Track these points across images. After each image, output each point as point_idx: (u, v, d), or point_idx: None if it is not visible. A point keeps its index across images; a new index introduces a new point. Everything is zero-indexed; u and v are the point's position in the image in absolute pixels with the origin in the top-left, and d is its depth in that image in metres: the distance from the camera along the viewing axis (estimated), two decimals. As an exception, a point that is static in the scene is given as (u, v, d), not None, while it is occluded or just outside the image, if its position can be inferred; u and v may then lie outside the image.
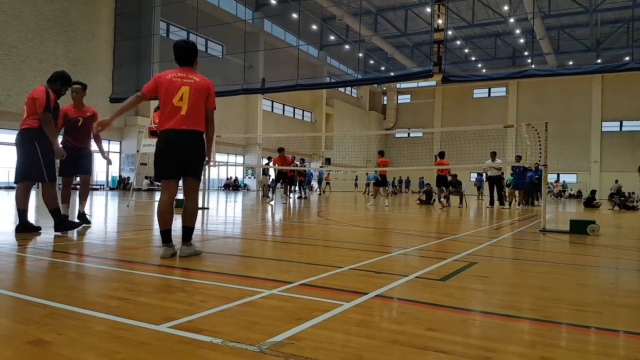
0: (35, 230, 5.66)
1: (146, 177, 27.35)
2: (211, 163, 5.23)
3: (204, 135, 4.34)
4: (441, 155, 15.34)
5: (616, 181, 28.88)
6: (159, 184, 4.43)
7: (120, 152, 29.02)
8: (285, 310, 2.55)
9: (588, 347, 2.14)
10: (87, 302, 2.65)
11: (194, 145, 4.22)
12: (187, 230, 4.32)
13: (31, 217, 6.45)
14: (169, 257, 4.14)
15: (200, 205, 11.23)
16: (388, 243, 6.12)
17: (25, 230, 5.56)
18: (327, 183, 38.27)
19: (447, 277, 3.54)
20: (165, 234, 4.23)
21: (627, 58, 23.77)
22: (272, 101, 40.39)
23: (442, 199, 15.38)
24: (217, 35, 32.21)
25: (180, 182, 4.39)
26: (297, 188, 20.83)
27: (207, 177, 11.49)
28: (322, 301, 2.73)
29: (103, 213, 10.34)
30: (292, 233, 6.79)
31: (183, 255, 4.22)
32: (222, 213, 10.58)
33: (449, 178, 17.04)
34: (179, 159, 4.20)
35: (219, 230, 6.87)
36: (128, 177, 27.84)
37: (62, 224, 5.73)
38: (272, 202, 15.27)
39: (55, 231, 5.65)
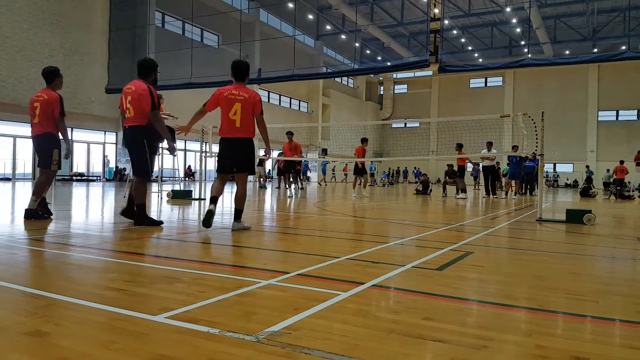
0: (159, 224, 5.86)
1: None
2: (267, 155, 5.95)
3: (253, 138, 5.54)
4: (460, 146, 15.56)
5: (607, 170, 29.06)
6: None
7: (116, 143, 28.91)
8: (282, 300, 2.55)
9: (584, 336, 2.16)
10: (85, 293, 2.64)
11: (246, 149, 5.49)
12: (237, 211, 5.55)
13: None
14: (207, 216, 5.32)
15: (197, 196, 11.24)
16: (385, 233, 6.13)
17: (128, 215, 5.92)
18: (345, 175, 37.99)
19: (443, 267, 3.56)
20: (213, 198, 5.47)
21: (623, 47, 23.70)
22: (269, 92, 40.24)
23: (460, 190, 15.34)
24: (213, 25, 31.99)
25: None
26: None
27: (204, 168, 11.47)
28: (319, 291, 2.73)
29: (100, 204, 10.32)
30: (288, 224, 6.80)
31: (234, 229, 5.44)
32: (219, 204, 10.55)
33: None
34: (235, 160, 5.49)
35: (216, 221, 6.86)
36: (124, 168, 27.74)
37: (143, 219, 5.80)
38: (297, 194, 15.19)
39: (135, 225, 5.74)
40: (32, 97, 6.41)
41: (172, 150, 6.04)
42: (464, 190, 15.41)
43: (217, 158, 5.62)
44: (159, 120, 5.72)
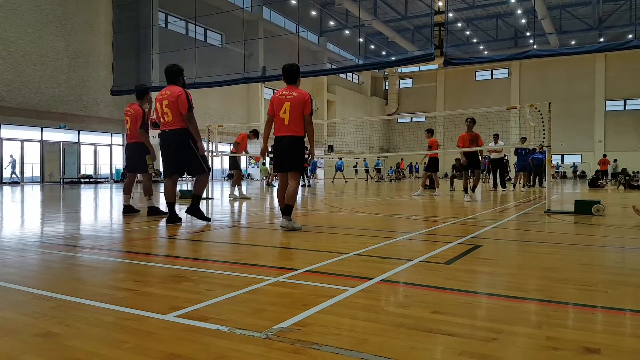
0: (180, 220, 6.12)
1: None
2: (312, 156, 6.03)
3: (305, 137, 5.58)
4: (431, 132, 13.75)
5: (615, 160, 28.97)
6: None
7: (123, 145, 29.07)
8: (291, 297, 2.56)
9: (594, 327, 2.15)
10: (95, 293, 2.66)
11: (292, 147, 5.48)
12: (287, 207, 5.46)
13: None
14: (285, 226, 5.37)
15: (204, 195, 11.27)
16: (392, 228, 6.12)
17: (174, 221, 6.02)
18: (400, 171, 37.60)
19: (452, 261, 3.55)
20: (283, 210, 5.52)
21: (630, 36, 23.44)
22: (273, 89, 40.21)
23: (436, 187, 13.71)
24: (216, 24, 32.03)
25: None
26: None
27: (211, 167, 11.49)
28: (327, 287, 2.73)
29: (108, 205, 10.38)
30: (296, 220, 6.79)
31: (282, 225, 5.39)
32: (226, 202, 10.60)
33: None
34: (284, 157, 5.52)
35: (224, 220, 6.89)
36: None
37: (195, 211, 6.12)
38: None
39: (186, 212, 6.21)
40: (125, 110, 7.47)
41: (202, 150, 6.22)
42: (430, 186, 14.93)
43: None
44: (194, 122, 5.94)
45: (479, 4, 33.79)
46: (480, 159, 11.49)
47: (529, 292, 2.74)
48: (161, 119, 5.99)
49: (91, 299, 2.48)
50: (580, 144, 44.40)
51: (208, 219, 6.23)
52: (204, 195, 11.29)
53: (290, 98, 5.45)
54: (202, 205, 9.27)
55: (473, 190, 10.32)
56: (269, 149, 6.04)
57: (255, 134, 12.30)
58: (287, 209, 5.42)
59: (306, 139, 5.68)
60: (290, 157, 5.52)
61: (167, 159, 6.09)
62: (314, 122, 5.72)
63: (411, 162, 45.60)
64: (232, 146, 12.10)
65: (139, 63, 27.75)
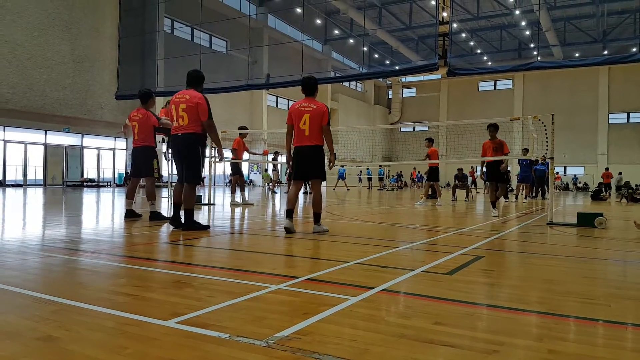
0: (182, 225, 6.01)
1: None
2: (332, 163, 6.16)
3: (324, 146, 5.89)
4: (431, 141, 13.49)
5: (619, 173, 29.07)
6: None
7: (126, 149, 29.14)
8: (292, 305, 2.55)
9: (596, 340, 2.13)
10: (95, 298, 2.66)
11: (314, 156, 5.85)
12: (316, 214, 5.98)
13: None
14: (288, 227, 5.72)
15: (206, 201, 11.28)
16: (394, 237, 6.11)
17: (177, 224, 6.04)
18: (401, 179, 37.29)
19: (453, 271, 3.54)
20: (289, 211, 5.85)
21: (634, 49, 23.51)
22: (277, 96, 40.35)
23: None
24: (221, 31, 32.20)
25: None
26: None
27: (213, 173, 11.51)
28: (328, 296, 2.73)
29: (110, 209, 10.39)
30: (297, 228, 6.79)
31: (314, 232, 5.86)
32: (228, 209, 10.60)
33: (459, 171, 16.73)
34: (306, 166, 5.90)
35: (225, 226, 6.89)
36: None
37: (192, 224, 5.98)
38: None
39: (183, 229, 5.91)
40: (130, 116, 7.34)
41: (221, 157, 6.28)
42: (432, 196, 14.74)
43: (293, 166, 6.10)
44: (214, 128, 6.00)
45: (483, 15, 33.93)
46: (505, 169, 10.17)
47: (531, 304, 2.73)
48: (174, 122, 6.00)
49: (92, 304, 2.48)
50: (582, 156, 44.37)
51: (207, 227, 6.16)
52: (205, 201, 11.33)
53: (309, 110, 5.76)
54: (204, 211, 9.28)
55: (493, 205, 9.59)
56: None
57: (244, 130, 12.32)
58: (315, 217, 5.96)
59: (325, 148, 5.89)
60: (312, 165, 5.87)
61: (177, 163, 6.13)
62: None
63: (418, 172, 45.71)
64: (231, 153, 12.11)
65: (144, 68, 27.87)
